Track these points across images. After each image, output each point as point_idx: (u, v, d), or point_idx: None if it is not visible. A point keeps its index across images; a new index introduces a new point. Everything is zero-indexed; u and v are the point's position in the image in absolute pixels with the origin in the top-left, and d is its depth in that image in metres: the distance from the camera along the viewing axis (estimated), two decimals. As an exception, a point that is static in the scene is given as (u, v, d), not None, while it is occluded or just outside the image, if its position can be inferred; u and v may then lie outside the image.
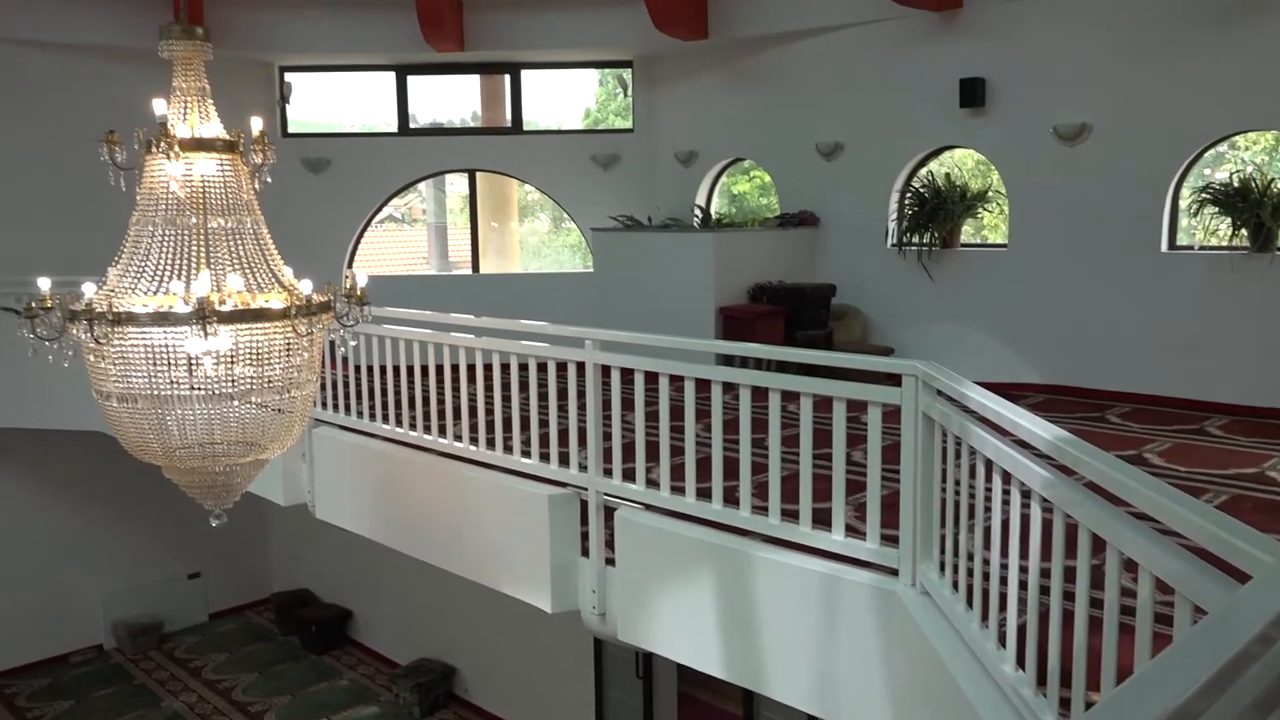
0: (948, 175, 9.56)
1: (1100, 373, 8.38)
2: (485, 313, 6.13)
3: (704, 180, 11.64)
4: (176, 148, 3.47)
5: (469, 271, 12.54)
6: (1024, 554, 3.06)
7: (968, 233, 9.72)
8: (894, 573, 3.92)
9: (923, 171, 9.81)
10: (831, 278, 10.01)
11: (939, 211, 9.25)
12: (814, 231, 10.37)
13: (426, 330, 6.15)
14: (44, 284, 3.48)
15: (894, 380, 3.83)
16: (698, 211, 11.45)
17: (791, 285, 9.70)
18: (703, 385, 4.68)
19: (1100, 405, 8.06)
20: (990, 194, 9.43)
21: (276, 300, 3.64)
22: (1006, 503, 3.17)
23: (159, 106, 3.53)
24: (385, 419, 6.50)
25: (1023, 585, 3.16)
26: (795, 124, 10.48)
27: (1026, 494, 3.01)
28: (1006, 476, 3.15)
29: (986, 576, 3.28)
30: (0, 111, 10.24)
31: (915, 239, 9.44)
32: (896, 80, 9.63)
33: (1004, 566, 3.18)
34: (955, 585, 3.55)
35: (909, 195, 9.66)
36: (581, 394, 5.21)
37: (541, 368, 5.44)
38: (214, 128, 3.64)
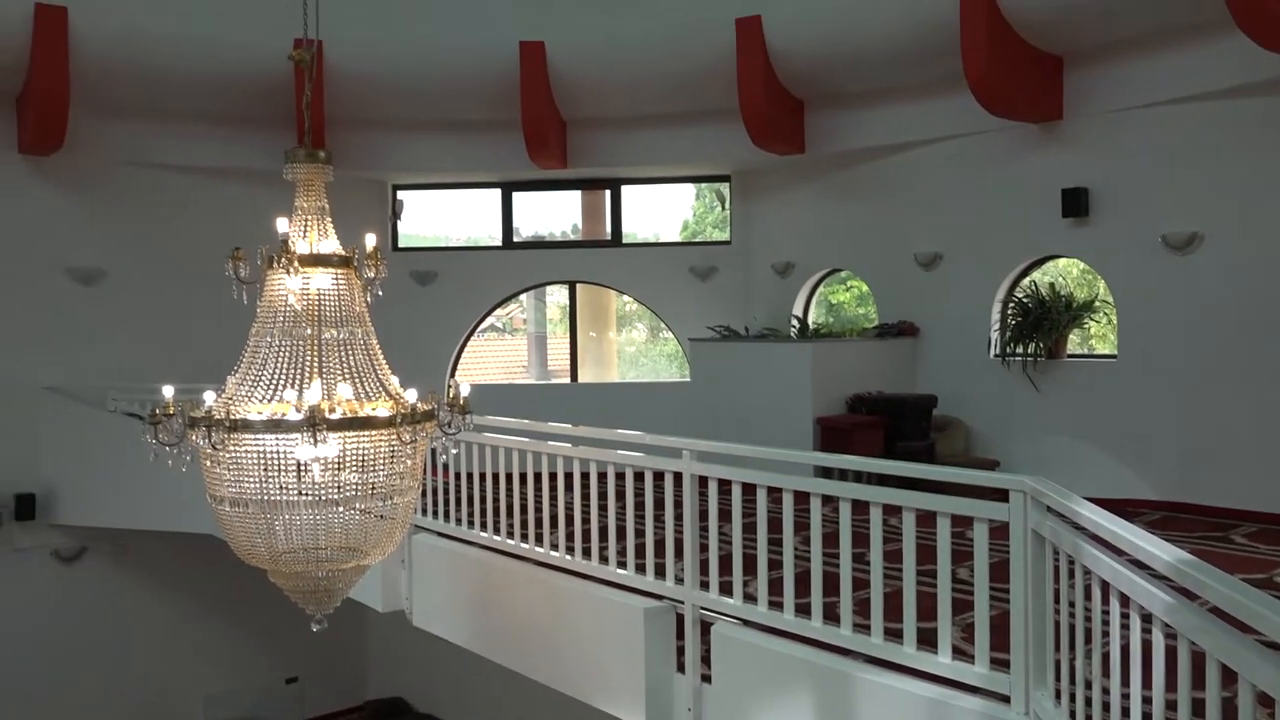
0: (1052, 285, 9.40)
1: (1222, 490, 7.97)
2: (583, 421, 6.19)
3: (801, 290, 11.68)
4: (296, 263, 3.64)
5: (567, 380, 12.73)
6: (1146, 683, 2.88)
7: (1074, 343, 9.49)
8: (1005, 699, 3.73)
9: (1026, 281, 9.67)
10: (932, 388, 9.84)
11: (1044, 321, 9.07)
12: (913, 341, 10.25)
13: (525, 438, 6.23)
14: (168, 392, 3.65)
15: (1001, 495, 3.71)
16: (795, 321, 11.46)
17: (891, 395, 9.56)
18: (801, 497, 4.61)
19: (1223, 524, 7.64)
20: (1097, 303, 9.22)
21: (383, 408, 3.74)
22: (1125, 627, 3.00)
23: (282, 225, 3.73)
24: (483, 526, 6.55)
25: (1146, 717, 2.96)
26: (893, 234, 10.50)
27: (1147, 618, 2.85)
28: (1124, 599, 2.99)
29: (1106, 707, 3.09)
30: (140, 226, 10.94)
31: (1019, 349, 9.24)
32: (996, 190, 9.59)
33: (1125, 697, 2.99)
34: (1072, 716, 3.35)
35: (1012, 305, 9.51)
36: (678, 504, 5.17)
37: (638, 477, 5.43)
38: (331, 244, 3.82)
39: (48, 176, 10.40)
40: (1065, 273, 9.78)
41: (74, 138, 9.91)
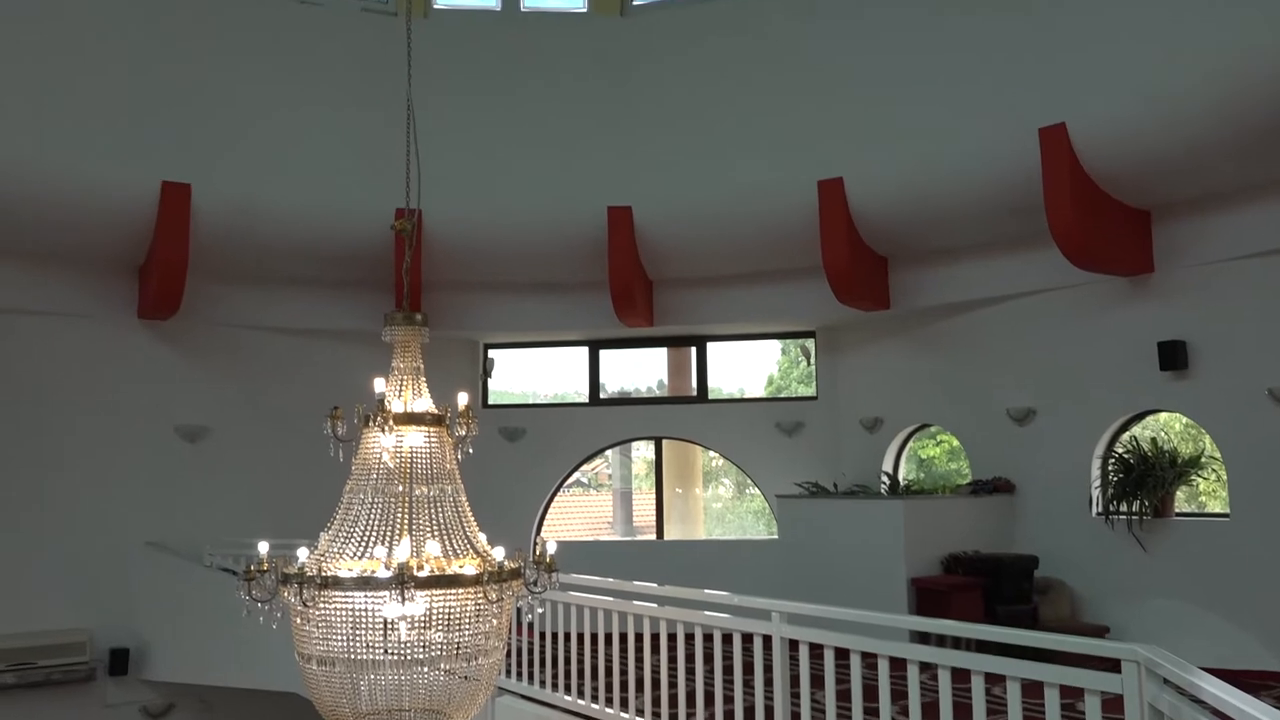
0: (1154, 440, 9.09)
1: (1359, 661, 7.38)
2: (669, 580, 6.08)
3: (890, 446, 11.50)
4: (391, 422, 3.74)
5: (653, 537, 12.59)
6: None
7: (1182, 500, 9.08)
8: None
9: (1125, 436, 9.37)
10: (1032, 548, 9.46)
11: (1147, 478, 8.73)
12: (1010, 499, 9.94)
13: (610, 598, 6.14)
14: (263, 548, 3.72)
15: (1112, 665, 3.50)
16: (885, 478, 11.23)
17: (989, 555, 9.21)
18: (898, 664, 4.41)
19: (1364, 699, 7.04)
20: (1204, 459, 8.86)
21: (470, 566, 3.74)
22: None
23: (379, 385, 3.85)
24: (568, 689, 6.39)
25: None
26: (983, 388, 10.34)
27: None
28: (1258, 783, 2.76)
29: None
30: (244, 385, 11.39)
31: (1123, 507, 8.87)
32: (1089, 344, 9.44)
33: None
34: None
35: (1112, 461, 9.19)
36: (768, 669, 4.99)
37: (726, 639, 5.28)
38: (425, 403, 3.93)
39: (162, 339, 10.98)
40: (1167, 427, 9.46)
41: (187, 302, 10.49)
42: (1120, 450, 9.21)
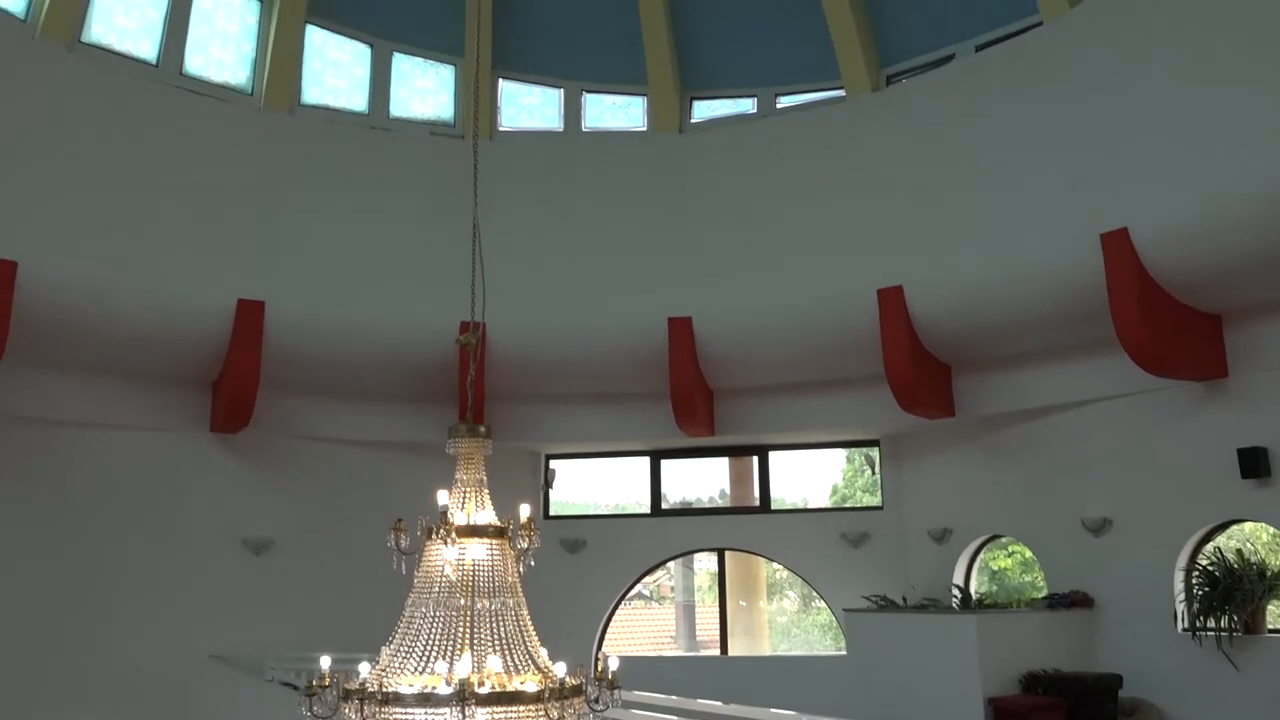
0: (1239, 551, 8.71)
1: None
2: (733, 698, 5.91)
3: (961, 557, 11.17)
4: (453, 535, 3.75)
5: (716, 652, 12.28)
6: None
7: (1274, 615, 8.63)
8: None
9: (1209, 547, 8.99)
10: (1114, 666, 9.03)
11: (1235, 592, 8.33)
12: (1088, 613, 9.54)
13: (674, 717, 5.96)
14: (324, 663, 3.71)
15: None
16: (956, 591, 10.88)
17: (1070, 674, 8.81)
18: (976, 790, 4.19)
19: None
20: (1295, 572, 8.45)
21: (531, 682, 3.68)
22: None
23: (442, 497, 3.87)
24: (630, 813, 6.17)
25: None
26: (1056, 498, 10.05)
27: None
28: None
29: None
30: (309, 497, 11.49)
31: (1211, 623, 8.46)
32: (1166, 451, 9.16)
33: None
34: None
35: (1197, 574, 8.80)
36: (839, 794, 4.78)
37: (795, 762, 5.09)
38: (487, 515, 3.93)
39: (232, 451, 11.18)
40: (1253, 538, 9.07)
41: (257, 415, 10.72)
42: (1204, 562, 8.82)
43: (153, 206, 9.94)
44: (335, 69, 11.38)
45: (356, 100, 11.41)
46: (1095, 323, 8.84)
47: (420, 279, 10.47)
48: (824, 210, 10.50)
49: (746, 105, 11.72)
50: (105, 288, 9.62)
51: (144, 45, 10.34)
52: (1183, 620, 8.81)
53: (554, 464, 12.98)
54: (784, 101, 11.58)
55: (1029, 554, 10.87)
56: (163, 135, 10.07)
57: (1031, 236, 9.16)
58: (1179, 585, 8.95)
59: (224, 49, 10.83)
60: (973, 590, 11.04)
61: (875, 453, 12.31)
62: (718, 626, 12.35)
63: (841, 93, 10.99)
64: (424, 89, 11.77)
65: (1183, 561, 9.03)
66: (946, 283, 9.79)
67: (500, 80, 11.79)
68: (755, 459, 12.50)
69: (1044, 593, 10.04)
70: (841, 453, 13.13)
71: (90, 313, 9.64)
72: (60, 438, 10.27)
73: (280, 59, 10.80)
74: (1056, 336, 9.69)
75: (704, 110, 11.79)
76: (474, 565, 3.83)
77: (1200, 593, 8.61)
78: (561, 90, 11.89)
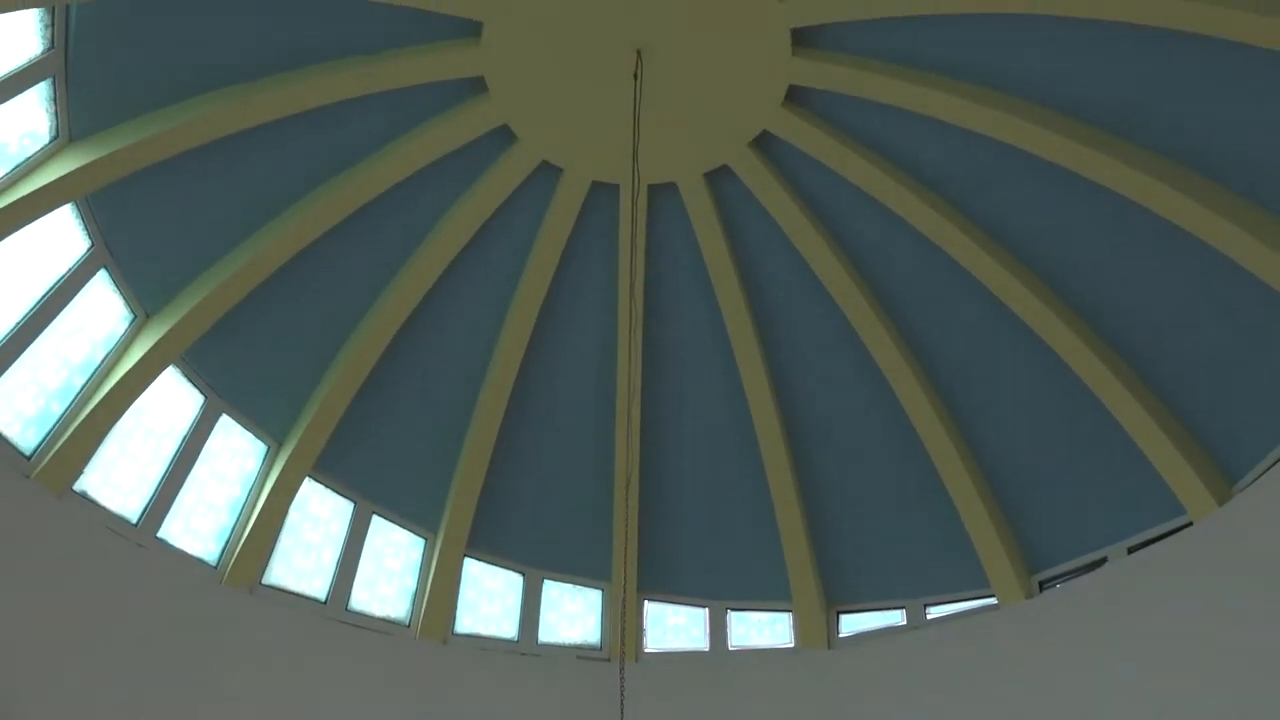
0: None
1: None
2: None
3: None
4: None
5: None
6: None
7: None
8: None
9: None
10: None
11: None
12: None
13: None
14: None
15: None
16: None
17: None
18: None
19: None
20: None
21: None
22: None
23: None
24: None
25: None
26: None
27: None
28: None
29: None
30: None
31: None
32: None
33: None
34: None
35: None
36: None
37: None
38: None
39: None
40: None
41: None
42: None
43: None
44: (489, 598, 11.81)
45: (507, 627, 11.66)
46: None
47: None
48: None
49: (895, 617, 11.47)
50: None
51: (316, 584, 10.98)
52: None
53: None
54: (934, 612, 11.30)
55: None
56: (325, 667, 10.34)
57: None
58: None
59: (388, 584, 11.45)
60: None
61: None
62: None
63: (993, 600, 10.71)
64: (572, 613, 12.02)
65: None
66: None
67: (645, 602, 11.97)
68: None
69: None
70: None
71: None
72: None
73: (438, 591, 11.26)
74: None
75: (851, 624, 11.58)
76: None
77: None
78: (706, 609, 11.94)
